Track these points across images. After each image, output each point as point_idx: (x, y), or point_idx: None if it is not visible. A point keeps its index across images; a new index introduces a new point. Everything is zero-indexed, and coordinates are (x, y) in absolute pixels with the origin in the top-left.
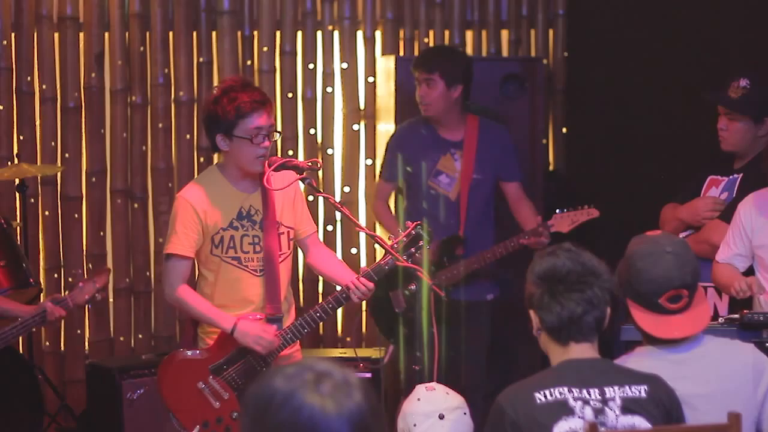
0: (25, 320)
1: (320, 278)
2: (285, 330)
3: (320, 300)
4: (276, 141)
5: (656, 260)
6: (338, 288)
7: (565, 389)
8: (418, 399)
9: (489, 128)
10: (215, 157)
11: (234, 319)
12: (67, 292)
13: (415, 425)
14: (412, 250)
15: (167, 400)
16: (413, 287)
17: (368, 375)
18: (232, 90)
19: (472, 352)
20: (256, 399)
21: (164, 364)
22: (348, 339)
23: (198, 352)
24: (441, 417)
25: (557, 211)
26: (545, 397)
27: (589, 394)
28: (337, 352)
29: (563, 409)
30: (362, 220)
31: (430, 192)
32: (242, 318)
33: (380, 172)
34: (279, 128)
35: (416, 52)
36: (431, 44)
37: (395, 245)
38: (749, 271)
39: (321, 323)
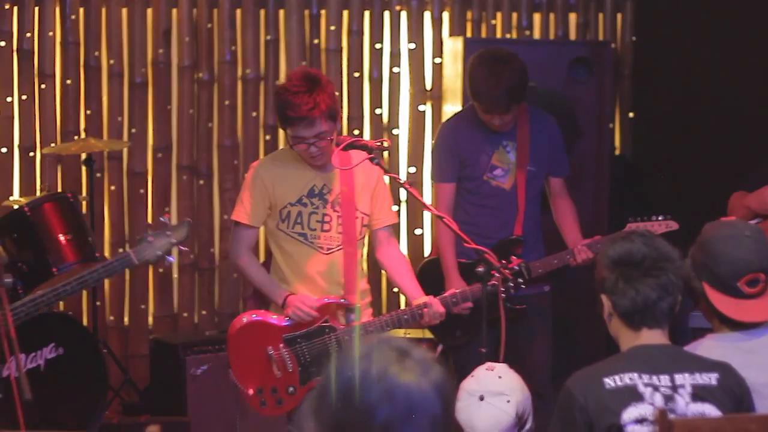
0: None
1: (384, 287)
2: (366, 325)
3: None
4: (341, 121)
5: (737, 243)
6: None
7: (635, 375)
8: (472, 375)
9: (540, 118)
10: (281, 134)
11: (286, 293)
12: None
13: (458, 399)
14: (511, 284)
15: (231, 354)
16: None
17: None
18: (285, 92)
19: (543, 345)
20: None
21: (239, 320)
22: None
23: (276, 317)
24: (481, 398)
25: (630, 219)
26: (615, 382)
27: (659, 381)
28: (401, 333)
29: (633, 395)
30: (427, 200)
31: (487, 186)
32: (293, 293)
33: (435, 174)
34: (345, 107)
35: (483, 34)
36: (498, 26)
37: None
38: None
39: None
